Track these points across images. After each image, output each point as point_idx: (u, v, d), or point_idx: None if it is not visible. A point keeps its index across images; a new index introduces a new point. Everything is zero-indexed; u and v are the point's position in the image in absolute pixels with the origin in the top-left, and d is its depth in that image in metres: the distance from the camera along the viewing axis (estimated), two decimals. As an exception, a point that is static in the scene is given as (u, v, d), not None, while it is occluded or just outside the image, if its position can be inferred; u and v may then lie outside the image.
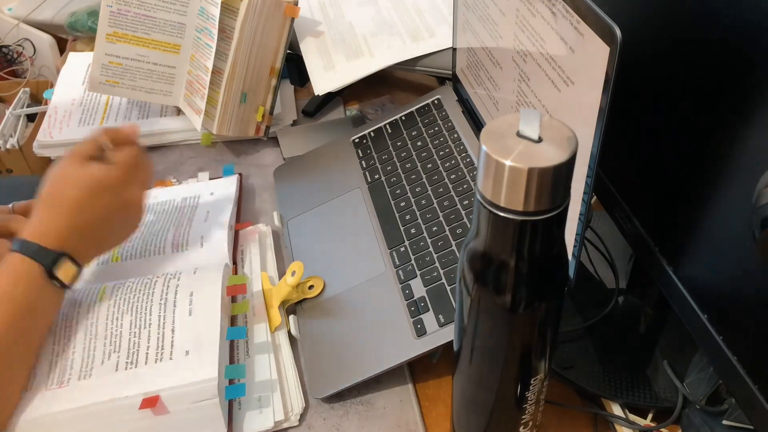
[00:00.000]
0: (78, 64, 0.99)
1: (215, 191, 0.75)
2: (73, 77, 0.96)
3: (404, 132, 0.78)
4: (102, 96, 0.91)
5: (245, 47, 0.78)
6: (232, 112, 0.81)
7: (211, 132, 0.83)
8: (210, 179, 0.80)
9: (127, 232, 0.63)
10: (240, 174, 0.80)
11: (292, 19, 0.80)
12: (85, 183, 0.58)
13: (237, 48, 0.77)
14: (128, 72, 0.83)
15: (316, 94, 0.82)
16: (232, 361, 0.58)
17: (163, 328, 0.57)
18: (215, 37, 0.77)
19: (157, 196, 0.75)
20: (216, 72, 0.79)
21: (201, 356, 0.55)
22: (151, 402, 0.51)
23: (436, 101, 0.79)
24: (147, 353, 0.55)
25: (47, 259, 0.55)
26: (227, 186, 0.76)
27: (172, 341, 0.56)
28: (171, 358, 0.55)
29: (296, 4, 0.80)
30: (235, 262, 0.68)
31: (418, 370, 0.60)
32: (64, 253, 0.56)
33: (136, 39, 0.82)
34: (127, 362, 0.55)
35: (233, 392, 0.55)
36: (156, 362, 0.54)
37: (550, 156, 0.32)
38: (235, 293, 0.62)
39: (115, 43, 0.82)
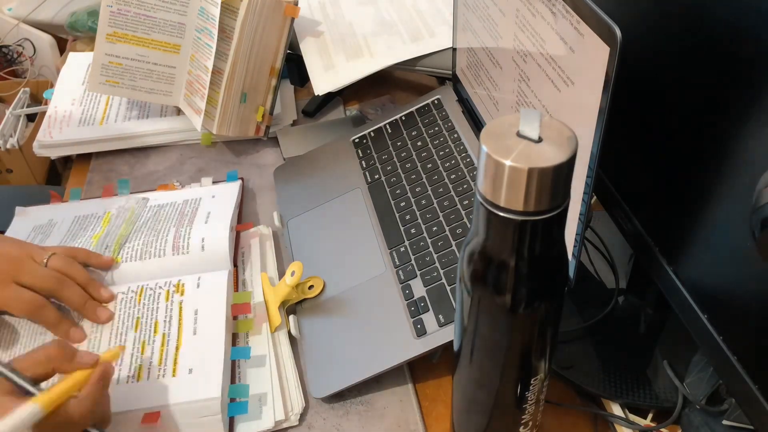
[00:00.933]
0: (78, 64, 0.98)
1: (217, 195, 0.75)
2: (73, 77, 0.96)
3: (404, 132, 0.78)
4: (102, 96, 0.91)
5: (245, 47, 0.78)
6: (232, 112, 0.81)
7: (211, 132, 0.82)
8: (213, 183, 0.80)
9: None
10: (242, 179, 0.80)
11: (292, 19, 0.80)
12: None
13: (237, 48, 0.77)
14: (128, 72, 0.83)
15: (316, 94, 0.82)
16: (234, 373, 0.58)
17: (167, 345, 0.57)
18: (215, 37, 0.77)
19: (159, 199, 0.75)
20: (216, 72, 0.79)
21: (204, 375, 0.55)
22: (152, 418, 0.52)
23: (436, 101, 0.78)
24: (149, 369, 0.55)
25: None
26: (229, 190, 0.76)
27: (176, 358, 0.56)
28: (174, 375, 0.55)
29: (296, 4, 0.80)
30: (236, 264, 0.68)
31: (418, 370, 0.60)
32: None
33: (136, 39, 0.82)
34: (128, 376, 0.55)
35: (235, 410, 0.55)
36: (158, 378, 0.55)
37: (550, 156, 0.32)
38: (238, 313, 0.62)
39: (115, 43, 0.82)
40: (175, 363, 0.56)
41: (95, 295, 0.61)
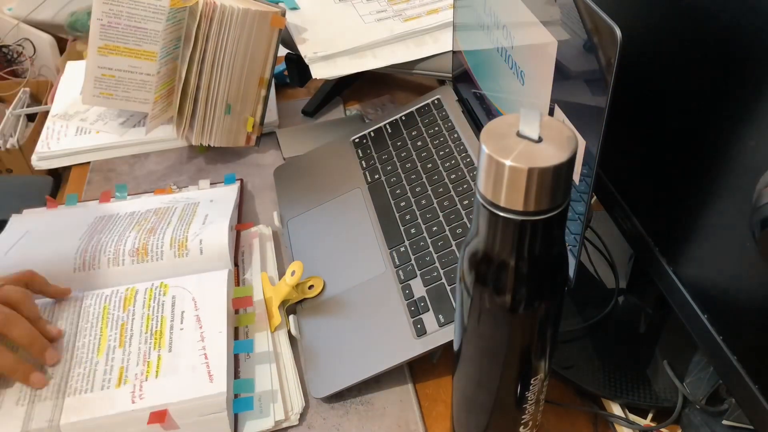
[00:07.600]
0: (76, 74, 0.98)
1: (215, 197, 0.75)
2: (71, 87, 0.96)
3: (404, 132, 0.78)
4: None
5: (228, 59, 0.76)
6: (212, 123, 0.80)
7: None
8: (211, 185, 0.79)
9: None
10: (241, 180, 0.80)
11: (280, 30, 0.79)
12: None
13: (210, 60, 0.76)
14: (122, 84, 0.83)
15: (313, 77, 0.79)
16: (237, 369, 0.58)
17: (171, 342, 0.57)
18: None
19: (156, 202, 0.75)
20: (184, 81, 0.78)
21: (209, 370, 0.55)
22: (159, 417, 0.52)
23: (436, 101, 0.78)
24: (152, 369, 0.55)
25: None
26: (228, 192, 0.76)
27: (179, 355, 0.56)
28: (177, 372, 0.55)
29: (283, 14, 0.79)
30: (236, 264, 0.68)
31: (418, 370, 0.60)
32: None
33: (128, 50, 0.82)
34: (135, 374, 0.55)
35: (240, 406, 0.55)
36: (162, 377, 0.55)
37: (550, 156, 0.32)
38: (240, 306, 0.62)
39: (107, 55, 0.82)
40: (178, 360, 0.55)
41: (43, 332, 0.57)
